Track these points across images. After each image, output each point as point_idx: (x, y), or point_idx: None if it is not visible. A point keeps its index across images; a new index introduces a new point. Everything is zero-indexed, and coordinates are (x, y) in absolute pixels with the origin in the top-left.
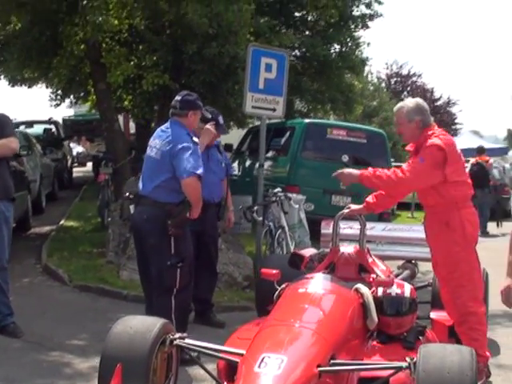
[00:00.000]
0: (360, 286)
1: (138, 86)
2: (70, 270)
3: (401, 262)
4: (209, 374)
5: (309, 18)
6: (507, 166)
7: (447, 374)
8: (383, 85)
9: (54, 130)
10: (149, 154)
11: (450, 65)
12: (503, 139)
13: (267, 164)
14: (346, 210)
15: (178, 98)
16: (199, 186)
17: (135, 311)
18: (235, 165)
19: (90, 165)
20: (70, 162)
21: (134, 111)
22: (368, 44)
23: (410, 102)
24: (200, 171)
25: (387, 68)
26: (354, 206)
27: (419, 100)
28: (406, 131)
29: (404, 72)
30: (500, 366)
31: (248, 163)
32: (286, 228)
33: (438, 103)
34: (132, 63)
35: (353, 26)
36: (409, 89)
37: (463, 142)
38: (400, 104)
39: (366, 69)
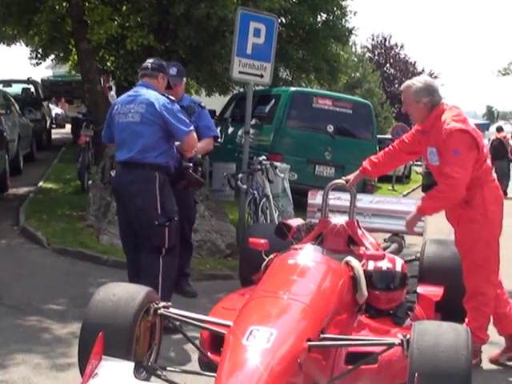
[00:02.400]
0: (351, 258)
1: (121, 47)
2: (48, 233)
3: (387, 235)
4: (193, 345)
5: None
6: (485, 141)
7: (442, 352)
8: (367, 56)
9: (32, 90)
10: (123, 121)
11: (432, 38)
12: (482, 115)
13: (251, 131)
14: (338, 180)
15: (149, 60)
16: (195, 140)
17: (115, 276)
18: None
19: (68, 127)
20: (48, 123)
21: (116, 72)
22: (355, 13)
23: (418, 81)
24: (192, 127)
25: (373, 39)
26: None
27: (428, 79)
28: (414, 112)
29: (390, 44)
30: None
31: (230, 130)
32: (271, 197)
33: None
34: (116, 23)
35: None
36: (391, 61)
37: None
38: (408, 82)
39: (351, 39)
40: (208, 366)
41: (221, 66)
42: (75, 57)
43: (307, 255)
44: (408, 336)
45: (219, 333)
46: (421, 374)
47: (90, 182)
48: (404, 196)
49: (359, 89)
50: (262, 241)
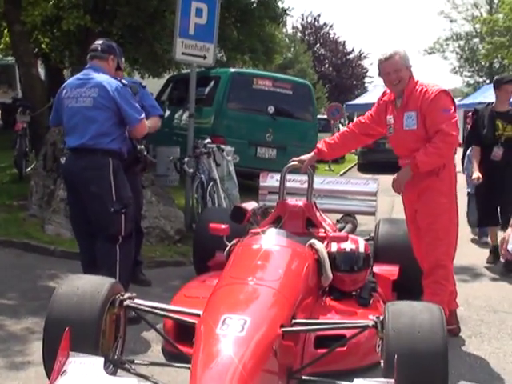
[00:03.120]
0: (314, 241)
1: (56, 28)
2: None
3: (339, 216)
4: (160, 335)
5: None
6: None
7: (418, 333)
8: (298, 36)
9: None
10: (74, 105)
11: (360, 17)
12: None
13: None
14: (293, 162)
15: (98, 41)
16: (146, 128)
17: (64, 267)
18: None
19: None
20: None
21: (51, 55)
22: None
23: (399, 49)
24: (143, 114)
25: (302, 19)
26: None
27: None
28: (405, 76)
29: (319, 24)
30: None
31: (168, 113)
32: (218, 180)
33: (350, 56)
34: (51, 3)
35: None
36: (321, 41)
37: (377, 95)
38: (389, 52)
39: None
40: (173, 356)
41: (161, 48)
42: (7, 39)
43: (271, 239)
44: (382, 317)
45: (188, 322)
46: (398, 355)
47: (28, 169)
48: (341, 175)
49: (292, 69)
50: (223, 226)
